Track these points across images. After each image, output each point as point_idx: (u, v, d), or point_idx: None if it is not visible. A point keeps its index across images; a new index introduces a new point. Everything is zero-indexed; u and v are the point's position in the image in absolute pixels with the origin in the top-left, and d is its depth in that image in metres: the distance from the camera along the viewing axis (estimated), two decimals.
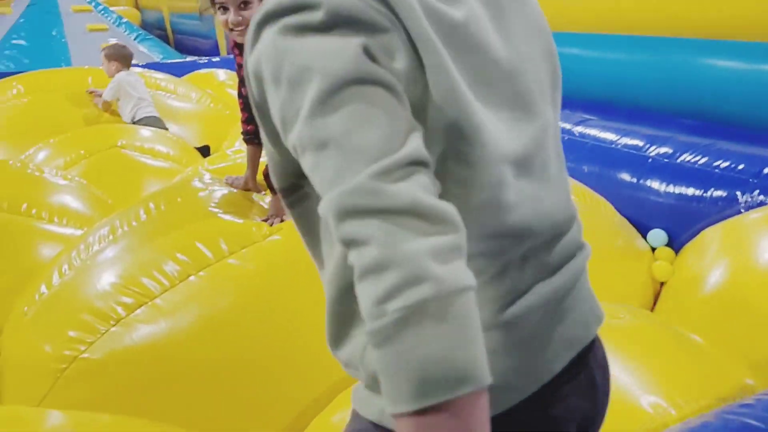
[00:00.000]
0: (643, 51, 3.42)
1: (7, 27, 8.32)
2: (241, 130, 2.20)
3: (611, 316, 1.48)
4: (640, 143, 2.88)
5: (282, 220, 2.09)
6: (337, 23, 0.62)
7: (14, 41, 7.90)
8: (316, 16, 0.63)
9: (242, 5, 1.89)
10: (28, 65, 6.61)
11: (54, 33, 6.65)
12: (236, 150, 3.52)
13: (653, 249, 2.63)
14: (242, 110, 2.19)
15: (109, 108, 4.38)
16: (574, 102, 3.85)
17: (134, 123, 4.18)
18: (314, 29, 0.63)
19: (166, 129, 4.24)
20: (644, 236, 2.66)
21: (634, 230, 2.66)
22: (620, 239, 2.56)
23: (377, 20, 0.64)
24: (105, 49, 4.56)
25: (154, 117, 4.27)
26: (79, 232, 2.55)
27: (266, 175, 2.13)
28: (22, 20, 8.44)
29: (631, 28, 3.47)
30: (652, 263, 2.53)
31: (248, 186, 2.28)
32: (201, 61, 6.48)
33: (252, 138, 2.17)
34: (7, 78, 4.61)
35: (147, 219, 2.16)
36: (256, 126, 0.81)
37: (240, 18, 1.88)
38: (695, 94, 3.26)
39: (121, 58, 4.41)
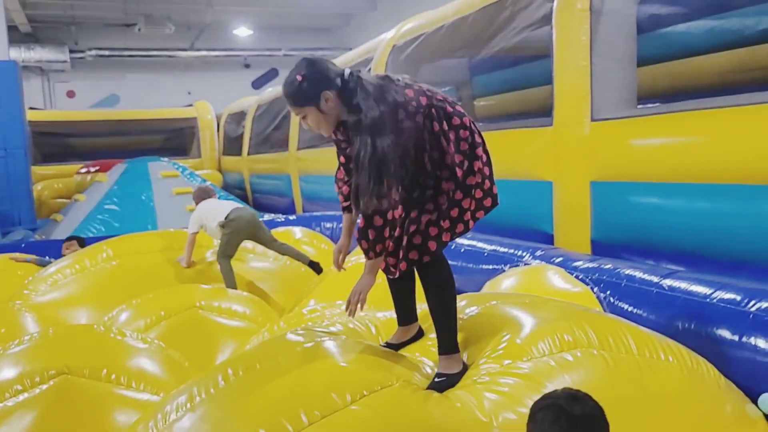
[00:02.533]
0: (732, 200, 3.31)
1: (102, 194, 8.96)
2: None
3: None
4: (738, 297, 2.68)
5: (361, 298, 2.17)
6: None
7: (107, 206, 8.47)
8: None
9: (303, 118, 2.20)
10: (118, 229, 7.01)
11: (143, 197, 7.09)
12: (311, 309, 3.51)
13: (766, 416, 2.36)
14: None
15: (194, 265, 4.55)
16: (660, 253, 3.73)
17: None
18: None
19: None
20: (754, 401, 2.40)
21: (742, 395, 2.41)
22: (728, 405, 2.32)
23: None
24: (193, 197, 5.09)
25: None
26: (155, 398, 2.52)
27: (358, 239, 2.17)
28: (116, 187, 9.09)
29: (716, 177, 3.39)
30: None
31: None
32: (278, 219, 6.70)
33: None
34: (99, 243, 4.86)
35: (225, 386, 2.10)
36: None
37: (307, 126, 2.22)
38: None
39: (202, 193, 4.93)
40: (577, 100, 4.22)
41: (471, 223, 2.25)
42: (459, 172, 2.16)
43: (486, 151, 2.28)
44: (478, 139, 2.25)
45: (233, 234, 4.57)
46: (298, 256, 4.98)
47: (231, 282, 4.39)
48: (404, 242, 2.18)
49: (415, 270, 2.27)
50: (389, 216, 2.09)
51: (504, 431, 1.93)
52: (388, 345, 2.41)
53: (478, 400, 2.01)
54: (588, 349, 2.18)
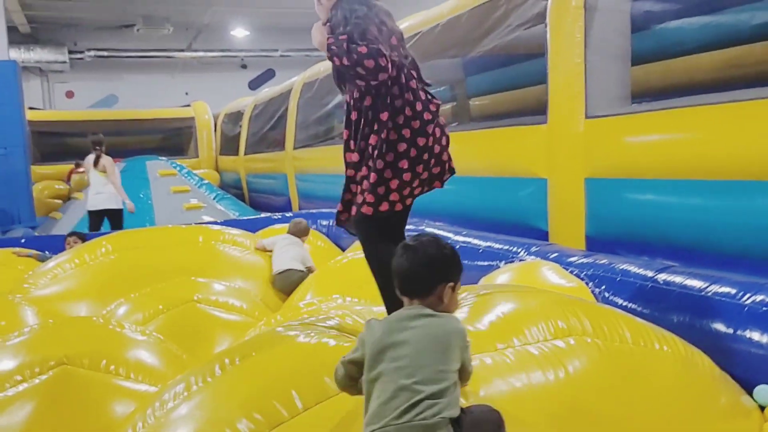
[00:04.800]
0: (726, 196, 3.34)
1: None
2: None
3: None
4: (733, 290, 2.71)
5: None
6: None
7: None
8: None
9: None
10: None
11: (141, 195, 7.13)
12: (308, 303, 3.53)
13: (762, 407, 2.38)
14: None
15: (265, 250, 4.94)
16: (655, 249, 3.76)
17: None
18: None
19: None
20: (749, 393, 2.43)
21: (737, 386, 2.44)
22: (724, 397, 2.34)
23: None
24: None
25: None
26: (153, 389, 2.54)
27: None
28: None
29: (710, 173, 3.42)
30: (764, 423, 2.28)
31: None
32: (275, 217, 6.73)
33: None
34: (98, 238, 4.89)
35: (221, 375, 2.13)
36: None
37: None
38: None
39: (297, 231, 5.13)
40: (571, 97, 4.25)
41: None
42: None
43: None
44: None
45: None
46: None
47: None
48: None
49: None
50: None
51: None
52: None
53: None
54: (582, 336, 2.20)
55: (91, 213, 6.90)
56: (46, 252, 5.61)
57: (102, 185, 6.84)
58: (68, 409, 2.41)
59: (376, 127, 2.30)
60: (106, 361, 2.59)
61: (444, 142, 2.41)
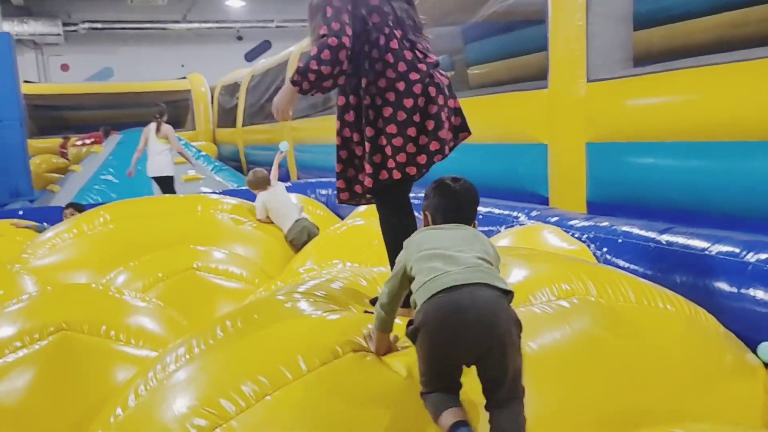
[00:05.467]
0: (726, 157, 3.31)
1: (98, 165, 8.91)
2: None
3: None
4: (737, 249, 2.68)
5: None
6: None
7: (103, 177, 8.44)
8: None
9: None
10: (114, 199, 6.99)
11: (140, 168, 7.08)
12: (308, 269, 3.52)
13: (766, 364, 2.38)
14: None
15: (269, 221, 5.00)
16: (656, 212, 3.73)
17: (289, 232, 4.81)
18: None
19: (316, 229, 4.76)
20: (754, 351, 2.42)
21: (741, 344, 2.43)
22: (729, 354, 2.33)
23: None
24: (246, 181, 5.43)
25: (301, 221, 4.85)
26: (154, 354, 2.53)
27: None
28: (111, 158, 9.04)
29: (711, 134, 3.38)
30: None
31: None
32: None
33: None
34: (95, 208, 4.86)
35: (224, 337, 2.11)
36: None
37: None
38: None
39: (256, 183, 5.20)
40: (572, 60, 4.19)
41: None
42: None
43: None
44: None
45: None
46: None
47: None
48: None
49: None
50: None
51: None
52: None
53: None
54: (585, 296, 2.19)
55: (155, 179, 7.15)
56: (45, 224, 5.58)
57: (159, 153, 7.07)
58: (68, 375, 2.40)
59: (361, 94, 2.21)
60: (106, 327, 2.57)
61: (441, 101, 2.23)
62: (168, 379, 2.01)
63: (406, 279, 1.73)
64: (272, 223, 5.03)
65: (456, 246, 1.68)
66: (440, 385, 1.59)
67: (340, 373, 1.86)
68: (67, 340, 2.49)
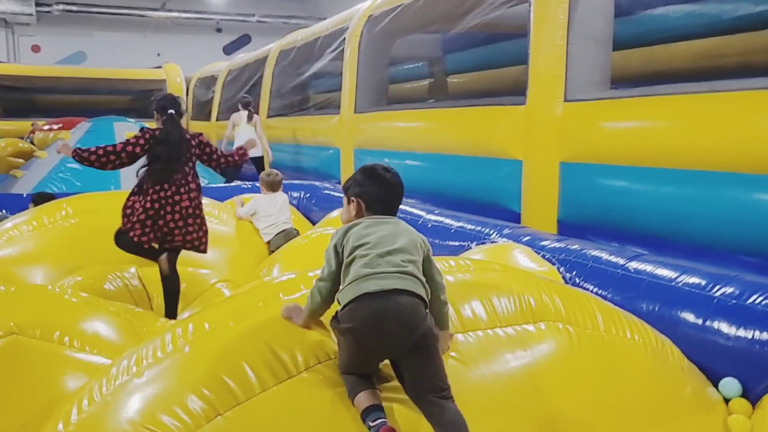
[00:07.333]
0: (698, 186, 3.33)
1: None
2: None
3: None
4: (703, 282, 2.70)
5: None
6: None
7: (69, 164, 8.20)
8: None
9: None
10: (79, 188, 6.82)
11: None
12: (274, 278, 3.44)
13: (726, 400, 2.38)
14: None
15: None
16: (625, 235, 3.75)
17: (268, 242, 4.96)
18: None
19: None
20: (715, 385, 2.43)
21: (704, 378, 2.43)
22: (690, 387, 2.33)
23: None
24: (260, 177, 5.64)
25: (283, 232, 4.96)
26: (108, 362, 2.43)
27: None
28: (79, 145, 8.80)
29: (683, 162, 3.40)
30: (727, 416, 2.28)
31: None
32: (245, 186, 6.59)
33: None
34: (58, 200, 4.71)
35: (173, 349, 2.02)
36: None
37: None
38: (754, 232, 3.12)
39: (270, 184, 5.41)
40: (551, 79, 4.19)
41: None
42: None
43: None
44: None
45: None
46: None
47: None
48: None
49: None
50: None
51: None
52: None
53: None
54: (554, 322, 2.16)
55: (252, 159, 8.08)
56: (4, 211, 5.41)
57: (250, 137, 7.27)
58: (17, 381, 2.29)
59: None
60: (60, 332, 2.46)
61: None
62: (113, 393, 1.90)
63: (340, 262, 1.80)
64: (251, 222, 5.05)
65: (390, 243, 1.75)
66: (358, 372, 1.72)
67: (296, 391, 1.79)
68: (18, 345, 2.37)
